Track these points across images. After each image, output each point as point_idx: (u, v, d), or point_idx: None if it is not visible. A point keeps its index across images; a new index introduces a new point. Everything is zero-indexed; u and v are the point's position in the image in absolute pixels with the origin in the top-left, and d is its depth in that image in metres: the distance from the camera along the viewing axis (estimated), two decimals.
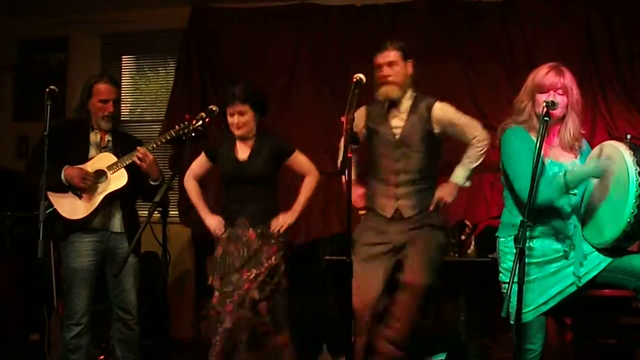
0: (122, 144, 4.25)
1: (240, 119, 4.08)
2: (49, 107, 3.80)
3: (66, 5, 6.10)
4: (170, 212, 3.99)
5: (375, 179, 4.11)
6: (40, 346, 4.75)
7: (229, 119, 4.11)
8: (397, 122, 4.04)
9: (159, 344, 4.73)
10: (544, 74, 3.26)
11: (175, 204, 5.84)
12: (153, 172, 4.16)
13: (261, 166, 4.11)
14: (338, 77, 5.71)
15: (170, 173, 5.30)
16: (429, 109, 3.99)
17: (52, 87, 3.86)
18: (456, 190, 4.04)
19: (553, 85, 3.22)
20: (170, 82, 6.22)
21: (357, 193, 4.16)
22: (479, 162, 4.02)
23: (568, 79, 3.25)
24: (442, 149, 4.16)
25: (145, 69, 6.70)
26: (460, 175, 4.02)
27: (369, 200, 4.15)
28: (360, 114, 4.10)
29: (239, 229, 4.10)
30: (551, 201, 3.13)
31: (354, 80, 3.34)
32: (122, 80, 6.61)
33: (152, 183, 4.18)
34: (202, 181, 4.45)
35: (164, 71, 6.61)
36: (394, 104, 4.04)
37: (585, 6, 5.39)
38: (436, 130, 4.01)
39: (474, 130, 4.00)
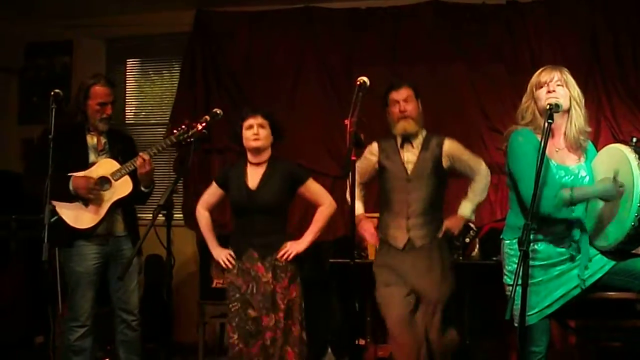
0: (118, 145, 4.26)
1: (261, 131, 3.98)
2: (53, 110, 3.81)
3: (71, 9, 6.11)
4: (175, 215, 4.00)
5: (387, 211, 4.22)
6: (45, 349, 4.76)
7: (247, 133, 3.99)
8: (410, 156, 4.17)
9: (163, 347, 4.74)
10: (539, 72, 3.31)
11: (180, 206, 5.85)
12: (147, 180, 4.17)
13: (272, 195, 3.98)
14: (342, 80, 5.73)
15: (175, 176, 5.30)
16: (440, 144, 4.17)
17: (56, 90, 3.87)
18: (463, 222, 4.23)
19: (549, 79, 3.24)
20: (175, 85, 6.23)
21: (370, 231, 4.24)
22: (484, 196, 4.23)
23: (566, 74, 3.28)
24: (447, 183, 4.34)
25: (150, 73, 6.72)
26: (466, 208, 4.19)
27: (381, 232, 4.24)
28: (373, 150, 4.26)
29: (247, 263, 3.97)
30: (554, 214, 3.13)
31: (358, 83, 3.37)
32: (127, 84, 6.64)
33: (143, 189, 4.19)
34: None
35: (168, 74, 6.63)
36: (407, 139, 4.18)
37: (589, 8, 5.39)
38: (445, 164, 4.17)
39: (479, 165, 4.20)
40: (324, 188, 4.20)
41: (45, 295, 4.44)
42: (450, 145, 4.17)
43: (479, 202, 4.23)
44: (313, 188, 4.12)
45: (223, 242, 4.15)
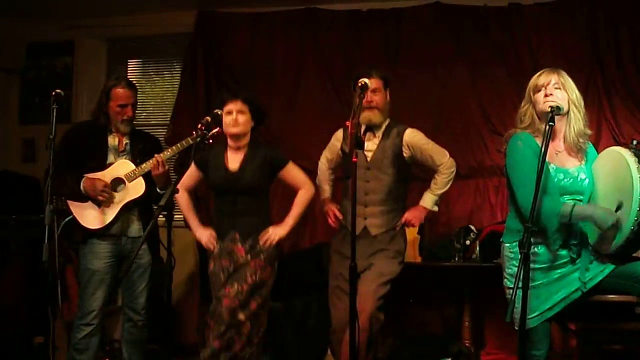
0: (140, 146, 4.32)
1: (239, 116, 4.01)
2: (54, 110, 3.82)
3: (72, 10, 6.11)
4: (175, 216, 4.01)
5: (347, 197, 4.27)
6: (44, 349, 4.75)
7: (226, 118, 4.03)
8: (370, 145, 4.23)
9: (164, 348, 4.74)
10: (537, 75, 3.32)
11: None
12: (162, 181, 4.20)
13: (253, 176, 4.03)
14: (343, 82, 5.71)
15: (176, 177, 5.30)
16: (400, 134, 4.23)
17: (58, 90, 3.88)
18: (424, 214, 4.31)
19: (547, 82, 3.24)
20: (176, 85, 6.23)
21: (333, 213, 4.36)
22: (446, 188, 4.30)
23: (563, 76, 3.27)
24: (410, 174, 4.42)
25: (151, 73, 6.72)
26: (428, 200, 4.29)
27: (342, 217, 4.33)
28: (338, 136, 4.40)
29: (229, 243, 4.02)
30: (551, 227, 3.12)
31: (359, 84, 3.37)
32: None
33: (159, 191, 4.21)
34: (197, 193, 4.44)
35: (169, 75, 6.62)
36: (370, 128, 4.24)
37: (590, 11, 5.38)
38: (405, 154, 4.23)
39: (441, 157, 4.24)
40: (303, 172, 4.24)
41: (45, 296, 4.44)
42: (410, 135, 4.23)
43: (441, 194, 4.29)
44: (293, 172, 4.18)
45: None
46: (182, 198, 4.21)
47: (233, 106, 4.03)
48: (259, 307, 3.96)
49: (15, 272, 5.36)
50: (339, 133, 4.39)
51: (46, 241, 3.62)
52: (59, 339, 4.49)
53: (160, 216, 3.63)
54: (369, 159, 4.22)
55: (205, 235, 4.11)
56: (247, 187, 4.02)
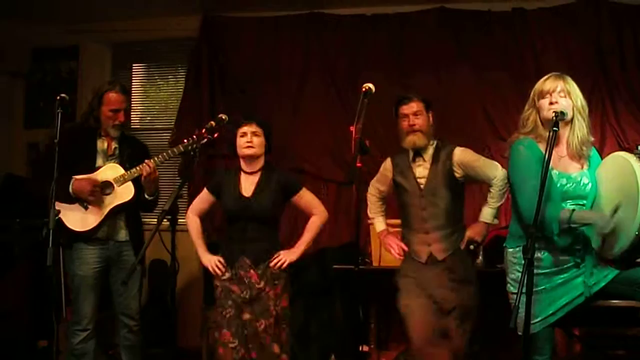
0: (129, 151, 4.28)
1: (254, 138, 4.02)
2: (59, 114, 3.81)
3: (77, 14, 6.13)
4: (179, 220, 4.01)
5: (407, 227, 4.21)
6: (48, 353, 4.76)
7: (240, 140, 4.04)
8: (422, 171, 4.15)
9: (167, 353, 4.73)
10: (543, 80, 3.31)
11: (184, 211, 5.85)
12: (151, 187, 4.17)
13: (267, 203, 4.02)
14: (348, 86, 5.73)
15: (180, 181, 5.30)
16: (450, 155, 4.12)
17: (62, 95, 3.87)
18: (486, 229, 4.17)
19: (552, 89, 3.23)
20: (180, 90, 6.24)
21: (396, 246, 4.21)
22: (503, 200, 4.14)
23: (569, 83, 3.27)
24: (465, 192, 4.29)
25: (156, 77, 6.73)
26: (487, 214, 4.15)
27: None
28: (387, 166, 4.28)
29: (240, 270, 4.01)
30: (552, 233, 3.12)
31: (364, 89, 3.38)
32: (132, 89, 6.63)
33: (147, 197, 4.19)
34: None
35: (174, 79, 6.64)
36: (418, 152, 4.16)
37: (594, 15, 5.39)
38: (457, 174, 4.13)
39: (494, 170, 4.11)
40: (316, 197, 4.25)
41: (49, 300, 4.45)
42: (460, 155, 4.13)
43: (499, 206, 4.16)
44: (306, 197, 4.18)
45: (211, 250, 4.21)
46: (193, 222, 4.22)
47: (247, 128, 4.04)
48: (287, 335, 4.01)
49: (20, 275, 5.37)
50: (388, 163, 4.28)
51: (50, 245, 3.61)
52: (63, 343, 4.49)
53: (164, 220, 3.63)
54: (422, 187, 4.13)
55: (212, 260, 4.09)
56: (259, 214, 4.02)
